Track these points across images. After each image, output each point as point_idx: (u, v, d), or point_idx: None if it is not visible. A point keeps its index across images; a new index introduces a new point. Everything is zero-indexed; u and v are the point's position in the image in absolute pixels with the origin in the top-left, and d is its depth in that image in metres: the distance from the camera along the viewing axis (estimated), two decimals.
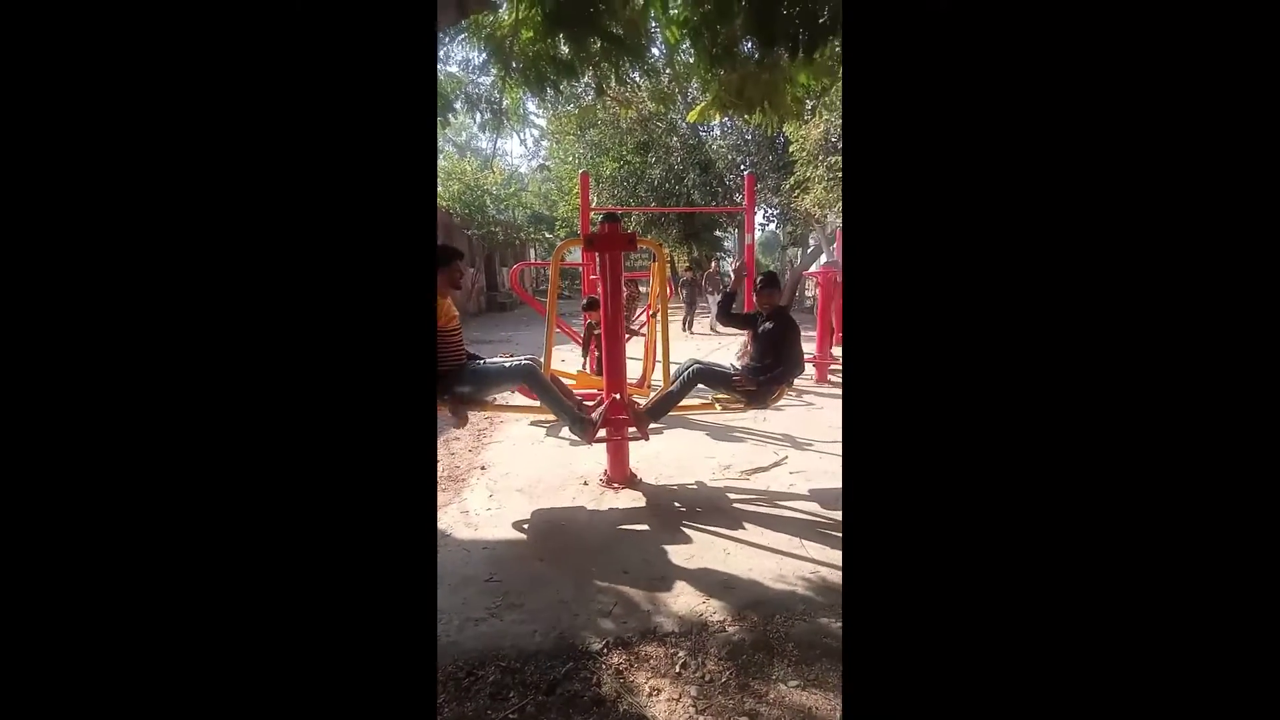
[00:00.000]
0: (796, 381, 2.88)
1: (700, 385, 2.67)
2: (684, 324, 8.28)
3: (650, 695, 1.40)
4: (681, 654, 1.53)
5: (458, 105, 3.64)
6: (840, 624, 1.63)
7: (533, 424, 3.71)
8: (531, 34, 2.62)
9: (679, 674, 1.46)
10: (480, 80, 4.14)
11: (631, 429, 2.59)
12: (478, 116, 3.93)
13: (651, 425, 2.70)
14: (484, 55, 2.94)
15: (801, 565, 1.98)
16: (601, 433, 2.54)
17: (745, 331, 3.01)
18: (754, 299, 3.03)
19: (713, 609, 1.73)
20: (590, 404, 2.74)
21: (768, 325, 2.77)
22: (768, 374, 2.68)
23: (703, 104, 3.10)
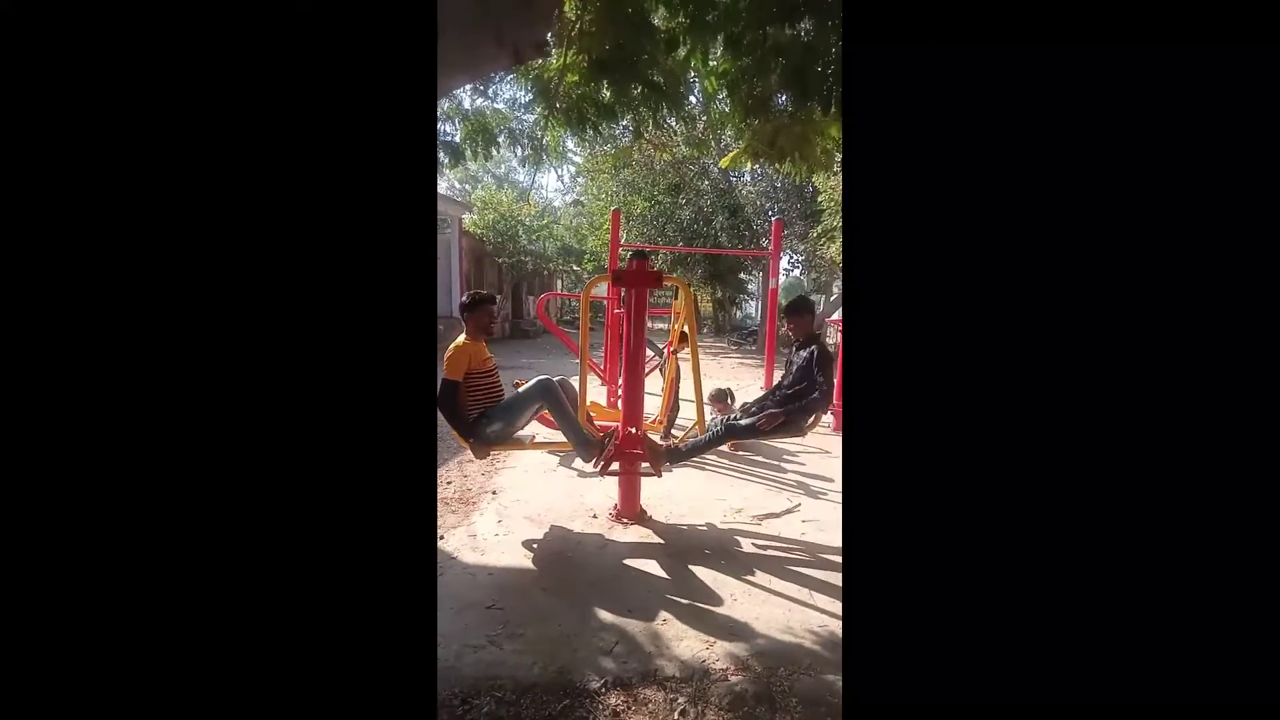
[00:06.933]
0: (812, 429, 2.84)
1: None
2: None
3: None
4: (681, 700, 1.49)
5: (501, 139, 3.80)
6: None
7: (549, 451, 3.70)
8: (577, 78, 2.75)
9: None
10: (524, 117, 4.33)
11: (645, 464, 2.58)
12: (519, 151, 4.10)
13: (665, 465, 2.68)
14: (530, 95, 3.09)
15: (809, 617, 1.92)
16: (614, 466, 2.53)
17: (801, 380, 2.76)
18: (785, 326, 2.92)
19: (716, 655, 1.68)
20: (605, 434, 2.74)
21: (801, 353, 2.75)
22: (797, 401, 2.65)
23: (735, 151, 3.20)
